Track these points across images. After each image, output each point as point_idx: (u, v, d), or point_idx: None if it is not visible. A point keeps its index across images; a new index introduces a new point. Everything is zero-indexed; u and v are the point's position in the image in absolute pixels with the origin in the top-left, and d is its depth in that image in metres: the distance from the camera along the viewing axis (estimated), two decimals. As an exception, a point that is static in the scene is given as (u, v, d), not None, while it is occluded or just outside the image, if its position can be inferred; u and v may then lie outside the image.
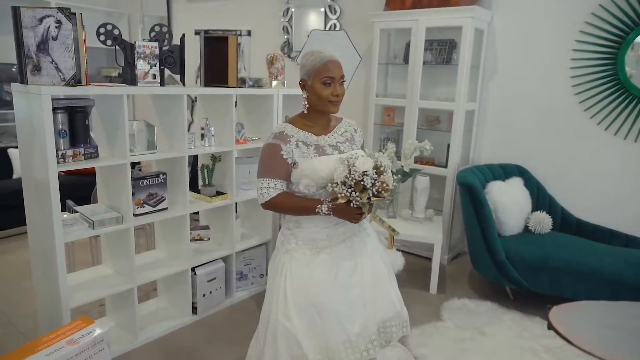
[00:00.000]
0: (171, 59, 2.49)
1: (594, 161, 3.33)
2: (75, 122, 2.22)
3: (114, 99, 2.27)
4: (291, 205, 1.63)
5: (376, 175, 1.50)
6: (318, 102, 1.63)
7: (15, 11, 1.97)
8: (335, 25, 4.39)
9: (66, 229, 2.19)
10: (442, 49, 3.74)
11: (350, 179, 1.49)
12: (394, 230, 2.90)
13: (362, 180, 1.48)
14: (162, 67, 2.47)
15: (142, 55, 2.36)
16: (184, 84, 2.60)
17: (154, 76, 2.42)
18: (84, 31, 2.13)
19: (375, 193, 1.50)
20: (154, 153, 2.48)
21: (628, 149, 3.19)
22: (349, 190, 1.49)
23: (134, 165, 3.78)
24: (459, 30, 3.46)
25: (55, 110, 2.08)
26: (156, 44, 2.40)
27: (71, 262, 3.07)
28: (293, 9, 4.61)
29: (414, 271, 3.56)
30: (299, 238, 1.68)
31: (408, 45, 3.80)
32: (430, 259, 3.80)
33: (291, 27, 4.67)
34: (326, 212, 1.56)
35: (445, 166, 3.72)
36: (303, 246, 1.66)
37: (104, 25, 2.36)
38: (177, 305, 2.86)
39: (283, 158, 1.60)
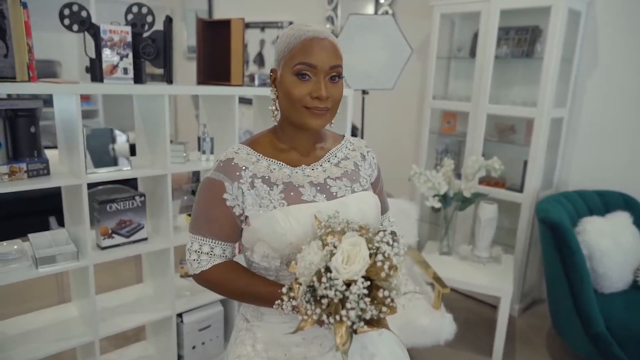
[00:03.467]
0: (151, 49, 1.92)
1: None
2: (15, 130, 1.71)
3: (67, 99, 1.74)
4: (234, 289, 0.96)
5: (368, 297, 0.76)
6: (289, 109, 0.95)
7: None
8: (387, 12, 3.66)
9: (2, 268, 1.69)
10: (522, 39, 2.89)
11: (323, 290, 0.77)
12: (443, 284, 2.09)
13: (344, 298, 0.77)
14: (139, 59, 1.91)
15: (108, 44, 1.81)
16: (169, 81, 2.02)
17: (125, 70, 1.86)
18: (25, 10, 1.60)
19: (362, 322, 0.77)
20: (125, 170, 1.92)
21: None
22: (320, 310, 0.78)
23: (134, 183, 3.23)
24: (546, 12, 2.60)
25: (-20, 114, 1.59)
26: (128, 28, 1.84)
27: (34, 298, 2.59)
28: (339, -4, 3.94)
29: (472, 323, 2.75)
30: (257, 337, 1.00)
31: (476, 35, 2.99)
32: (495, 307, 2.98)
33: (336, 17, 4.00)
34: (289, 313, 0.87)
35: (521, 190, 2.86)
36: (263, 353, 0.99)
37: (69, 5, 1.84)
38: (164, 355, 2.30)
39: (226, 206, 0.94)
